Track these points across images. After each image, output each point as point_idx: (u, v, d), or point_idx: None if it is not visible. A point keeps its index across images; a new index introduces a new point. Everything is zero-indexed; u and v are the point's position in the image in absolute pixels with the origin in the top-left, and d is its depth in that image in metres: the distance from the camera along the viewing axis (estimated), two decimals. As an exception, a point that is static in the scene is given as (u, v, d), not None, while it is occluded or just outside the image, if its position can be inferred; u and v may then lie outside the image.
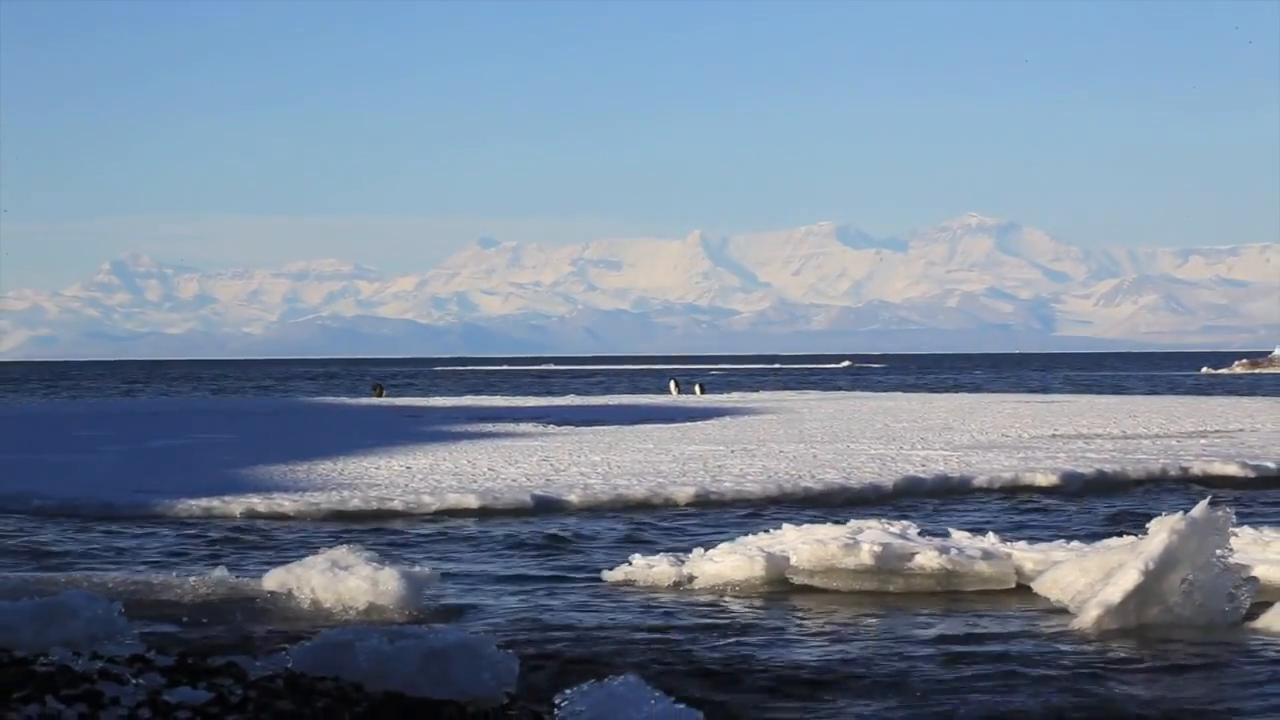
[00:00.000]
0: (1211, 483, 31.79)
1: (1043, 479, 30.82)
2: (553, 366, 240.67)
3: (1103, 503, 28.88)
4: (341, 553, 16.94)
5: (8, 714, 10.17)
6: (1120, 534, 22.26)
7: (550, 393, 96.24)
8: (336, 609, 16.15)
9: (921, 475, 30.85)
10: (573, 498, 27.45)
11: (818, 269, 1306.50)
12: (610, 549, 21.48)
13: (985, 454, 35.81)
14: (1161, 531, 14.99)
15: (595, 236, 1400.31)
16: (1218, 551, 15.07)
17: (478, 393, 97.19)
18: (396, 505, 26.55)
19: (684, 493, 28.02)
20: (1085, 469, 32.07)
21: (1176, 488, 31.16)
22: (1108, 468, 32.48)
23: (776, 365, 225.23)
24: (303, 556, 20.29)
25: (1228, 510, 15.27)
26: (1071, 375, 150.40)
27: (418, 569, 16.86)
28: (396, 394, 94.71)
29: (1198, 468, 33.10)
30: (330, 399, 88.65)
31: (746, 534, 19.57)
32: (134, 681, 11.44)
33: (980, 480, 30.58)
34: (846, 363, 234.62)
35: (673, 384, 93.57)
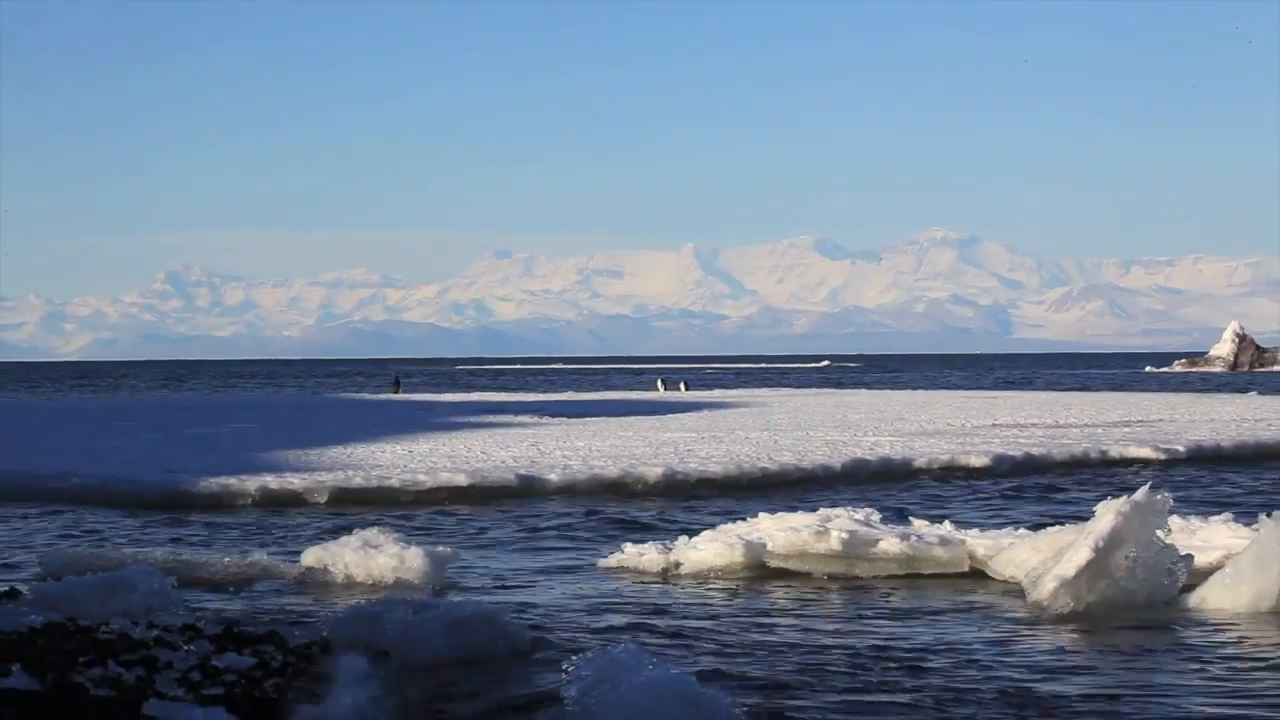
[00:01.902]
0: (1126, 464, 32.24)
1: (976, 460, 31.00)
2: (560, 366, 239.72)
3: (1029, 481, 29.11)
4: (372, 533, 16.92)
5: (74, 676, 10.23)
6: (1048, 512, 22.98)
7: (552, 389, 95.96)
8: (367, 583, 16.10)
9: (867, 457, 30.87)
10: (553, 477, 27.42)
11: (799, 278, 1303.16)
12: (604, 534, 21.41)
13: (928, 440, 35.83)
14: (1109, 513, 14.96)
15: (599, 248, 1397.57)
16: (1158, 532, 15.05)
17: (488, 389, 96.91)
18: (394, 483, 26.51)
19: (653, 472, 27.95)
20: (1015, 452, 32.23)
21: (1096, 468, 31.40)
22: (1035, 451, 32.66)
23: (761, 364, 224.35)
24: (303, 533, 20.37)
25: (1166, 495, 15.23)
26: (1025, 373, 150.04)
27: (440, 548, 16.85)
28: (414, 390, 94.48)
29: (1115, 451, 33.33)
30: (352, 395, 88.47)
31: (724, 522, 19.43)
32: (186, 648, 11.58)
33: (920, 462, 30.71)
34: (825, 362, 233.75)
35: (659, 382, 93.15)
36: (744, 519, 19.19)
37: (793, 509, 19.93)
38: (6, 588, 14.91)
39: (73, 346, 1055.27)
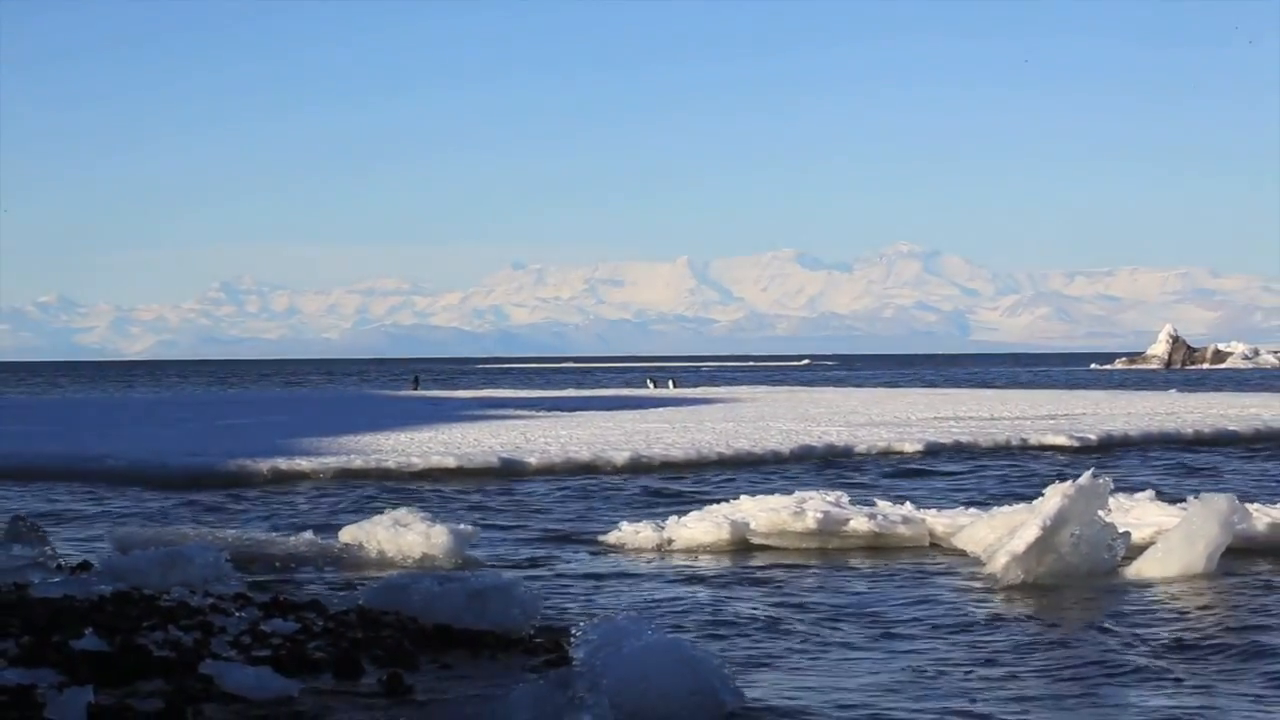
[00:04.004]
0: (1042, 450, 32.29)
1: (910, 447, 31.10)
2: (568, 365, 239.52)
3: (954, 464, 29.13)
4: (401, 513, 16.83)
5: (139, 639, 10.30)
6: (969, 490, 23.15)
7: (557, 386, 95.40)
8: (397, 558, 16.03)
9: (814, 444, 30.94)
10: (532, 460, 27.49)
11: (781, 286, 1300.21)
12: (595, 511, 21.43)
13: (872, 430, 35.81)
14: (1056, 495, 15.06)
15: (603, 260, 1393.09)
16: (1099, 512, 15.16)
17: (499, 386, 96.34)
18: (390, 464, 26.60)
19: (620, 457, 28.04)
20: (945, 440, 32.32)
21: (1015, 454, 31.43)
22: (964, 439, 32.73)
23: (749, 363, 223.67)
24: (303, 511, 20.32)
25: (1108, 479, 15.32)
26: (983, 372, 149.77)
27: (462, 526, 16.76)
28: (433, 387, 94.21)
29: (1034, 439, 33.41)
30: (375, 391, 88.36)
31: (695, 503, 19.53)
32: (237, 615, 11.64)
33: (860, 448, 30.80)
34: (806, 361, 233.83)
35: (650, 380, 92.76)
36: (727, 501, 19.13)
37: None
38: (80, 560, 14.98)
39: (138, 348, 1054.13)
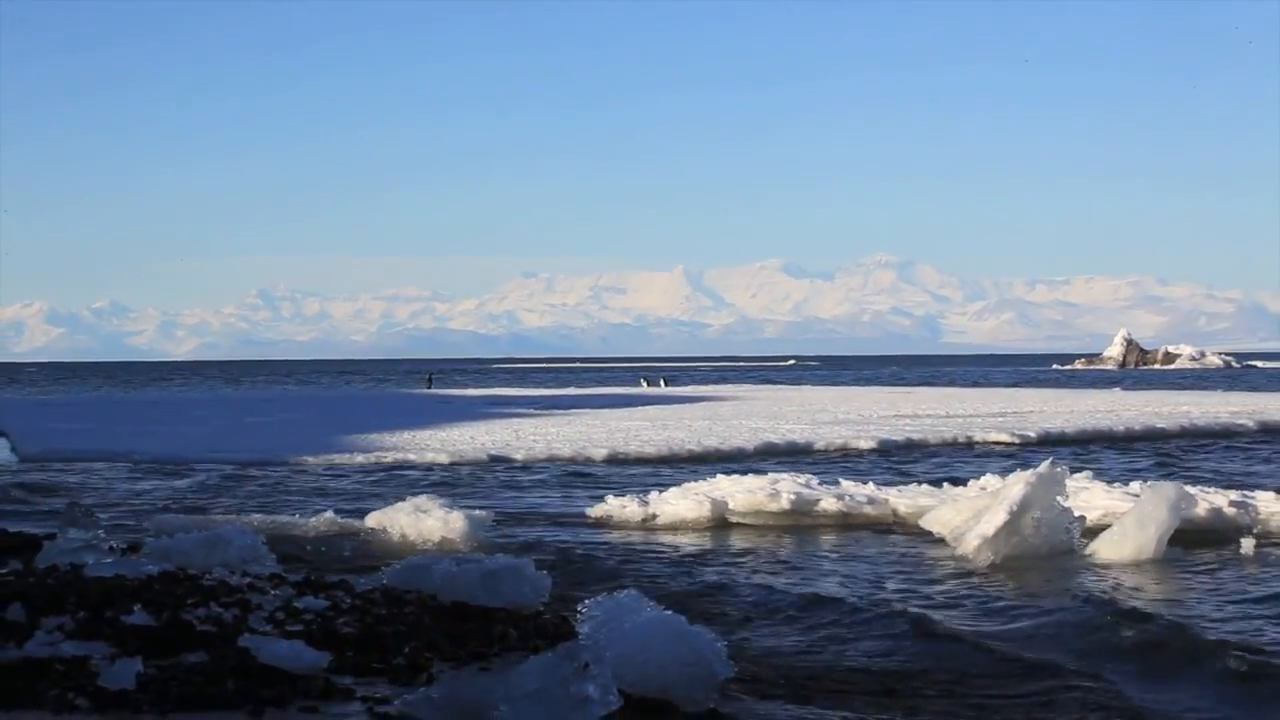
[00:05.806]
0: (986, 445, 32.05)
1: (865, 444, 30.85)
2: (574, 365, 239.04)
3: (903, 459, 28.84)
4: (422, 500, 16.65)
5: (184, 615, 10.37)
6: (927, 477, 23.07)
7: (561, 385, 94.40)
8: (418, 541, 15.88)
9: (777, 441, 30.81)
10: (518, 456, 27.56)
11: (768, 294, 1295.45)
12: (580, 494, 21.31)
13: (833, 427, 35.49)
14: (1019, 483, 15.13)
15: (607, 269, 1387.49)
16: (1057, 498, 15.26)
17: (505, 385, 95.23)
18: (388, 459, 26.68)
19: (599, 452, 28.07)
20: (898, 437, 32.06)
21: (960, 449, 31.15)
22: (915, 436, 32.47)
23: (740, 364, 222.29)
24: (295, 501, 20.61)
25: (1065, 468, 15.45)
26: (956, 371, 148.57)
27: (477, 512, 16.62)
28: (448, 386, 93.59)
29: (979, 436, 33.16)
30: (393, 390, 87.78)
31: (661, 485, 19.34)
32: (273, 593, 11.55)
33: (819, 445, 30.58)
34: (792, 361, 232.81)
35: (643, 380, 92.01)
36: (704, 479, 18.99)
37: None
38: (129, 544, 14.99)
39: (184, 349, 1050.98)
